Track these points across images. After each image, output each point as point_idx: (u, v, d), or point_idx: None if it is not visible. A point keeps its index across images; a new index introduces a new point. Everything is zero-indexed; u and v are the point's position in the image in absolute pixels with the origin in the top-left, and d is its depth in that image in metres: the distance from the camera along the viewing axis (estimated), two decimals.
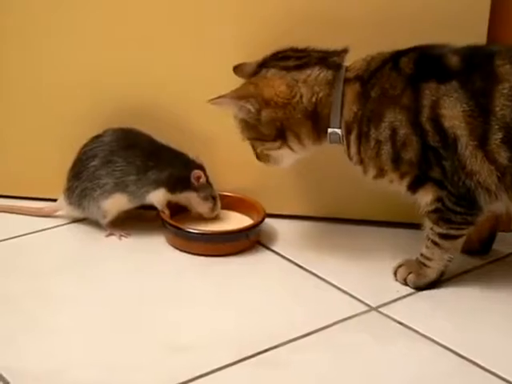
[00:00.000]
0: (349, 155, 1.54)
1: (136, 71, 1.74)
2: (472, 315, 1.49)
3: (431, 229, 1.52)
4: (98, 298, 1.52)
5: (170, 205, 1.71)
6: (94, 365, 1.34)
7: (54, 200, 1.78)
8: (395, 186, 1.52)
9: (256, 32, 1.66)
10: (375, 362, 1.36)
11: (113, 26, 1.72)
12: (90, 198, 1.71)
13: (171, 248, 1.68)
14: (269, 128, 1.55)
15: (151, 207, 1.73)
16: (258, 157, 1.62)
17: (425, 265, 1.55)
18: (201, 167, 1.71)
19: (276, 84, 1.53)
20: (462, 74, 1.46)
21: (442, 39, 1.49)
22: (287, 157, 1.60)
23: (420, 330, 1.43)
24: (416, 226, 1.57)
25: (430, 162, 1.48)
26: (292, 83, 1.53)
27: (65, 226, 1.76)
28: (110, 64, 1.75)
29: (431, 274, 1.56)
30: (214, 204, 1.72)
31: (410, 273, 1.56)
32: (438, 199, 1.49)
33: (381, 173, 1.52)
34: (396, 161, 1.49)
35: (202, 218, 1.73)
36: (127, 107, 1.75)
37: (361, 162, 1.53)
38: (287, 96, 1.53)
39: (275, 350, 1.37)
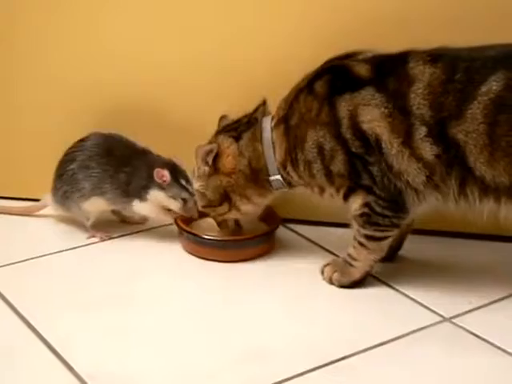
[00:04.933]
0: (297, 184, 1.60)
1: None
2: None
3: (357, 230, 1.56)
4: (174, 305, 1.55)
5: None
6: (172, 371, 1.36)
7: (37, 200, 1.84)
8: (335, 200, 1.56)
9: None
10: (449, 373, 1.37)
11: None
12: (71, 200, 1.76)
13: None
14: (214, 194, 1.64)
15: None
16: (218, 225, 1.71)
17: (351, 264, 1.58)
18: (167, 165, 1.71)
19: (226, 154, 1.62)
20: (376, 79, 1.49)
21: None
22: (241, 218, 1.69)
23: (495, 342, 1.43)
24: (491, 238, 1.57)
25: (357, 170, 1.51)
26: (236, 154, 1.62)
27: (132, 235, 1.80)
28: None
29: (356, 273, 1.59)
30: (184, 204, 1.72)
31: (335, 271, 1.59)
32: (366, 204, 1.52)
33: (322, 190, 1.57)
34: (328, 175, 1.54)
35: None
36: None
37: (306, 183, 1.59)
38: (232, 166, 1.61)
39: (350, 359, 1.39)
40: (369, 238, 1.55)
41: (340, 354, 1.40)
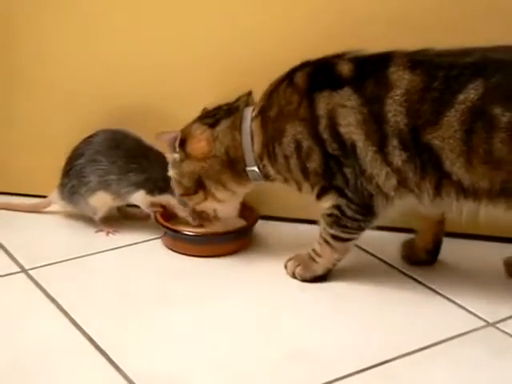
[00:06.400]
0: (274, 178, 1.61)
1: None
2: None
3: (324, 229, 1.57)
4: (219, 305, 1.57)
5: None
6: (215, 370, 1.38)
7: (44, 196, 1.88)
8: (310, 196, 1.58)
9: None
10: (492, 379, 1.36)
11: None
12: (78, 195, 1.79)
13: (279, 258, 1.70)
14: (189, 180, 1.65)
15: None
16: (198, 216, 1.72)
17: (314, 260, 1.61)
18: None
19: (197, 139, 1.63)
20: (355, 80, 1.50)
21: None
22: (220, 208, 1.68)
23: None
24: None
25: (332, 170, 1.52)
26: (210, 140, 1.62)
27: None
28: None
29: (318, 269, 1.61)
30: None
31: (297, 266, 1.62)
32: (336, 206, 1.54)
33: (299, 185, 1.58)
34: (304, 171, 1.55)
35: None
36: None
37: (284, 180, 1.60)
38: (206, 151, 1.62)
39: (393, 363, 1.39)
40: (335, 237, 1.57)
41: (382, 357, 1.40)
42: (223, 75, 1.78)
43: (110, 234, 1.81)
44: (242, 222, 1.79)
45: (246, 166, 1.62)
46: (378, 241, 1.75)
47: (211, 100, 1.69)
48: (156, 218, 1.77)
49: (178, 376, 1.36)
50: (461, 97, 1.42)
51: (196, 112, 1.70)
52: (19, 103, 1.91)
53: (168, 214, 1.79)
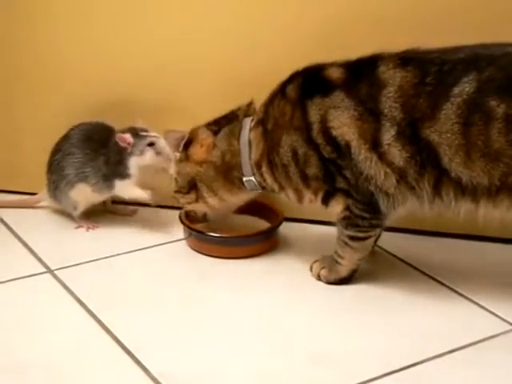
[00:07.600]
0: (271, 188, 1.63)
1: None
2: None
3: (341, 231, 1.59)
4: (244, 307, 1.57)
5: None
6: (240, 371, 1.38)
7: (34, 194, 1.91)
8: (315, 205, 1.58)
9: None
10: None
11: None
12: (59, 190, 1.80)
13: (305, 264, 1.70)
14: (183, 180, 1.67)
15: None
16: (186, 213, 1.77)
17: (338, 262, 1.61)
18: (127, 129, 1.74)
19: (200, 144, 1.65)
20: (346, 83, 1.50)
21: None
22: (210, 212, 1.72)
23: None
24: None
25: (332, 173, 1.53)
26: (211, 146, 1.64)
27: None
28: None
29: (342, 271, 1.62)
30: (155, 149, 1.74)
31: (322, 268, 1.62)
32: (346, 207, 1.54)
33: (299, 194, 1.59)
34: (304, 178, 1.56)
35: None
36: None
37: (281, 187, 1.60)
38: (204, 157, 1.64)
39: (420, 366, 1.39)
40: (352, 238, 1.58)
41: (408, 361, 1.40)
42: (228, 81, 1.78)
43: (90, 230, 1.82)
44: (266, 224, 1.80)
45: (242, 175, 1.64)
46: (404, 244, 1.75)
47: (214, 106, 1.69)
48: (181, 220, 1.78)
49: (203, 376, 1.37)
50: (456, 90, 1.43)
51: (199, 114, 1.70)
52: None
53: (193, 216, 1.79)
